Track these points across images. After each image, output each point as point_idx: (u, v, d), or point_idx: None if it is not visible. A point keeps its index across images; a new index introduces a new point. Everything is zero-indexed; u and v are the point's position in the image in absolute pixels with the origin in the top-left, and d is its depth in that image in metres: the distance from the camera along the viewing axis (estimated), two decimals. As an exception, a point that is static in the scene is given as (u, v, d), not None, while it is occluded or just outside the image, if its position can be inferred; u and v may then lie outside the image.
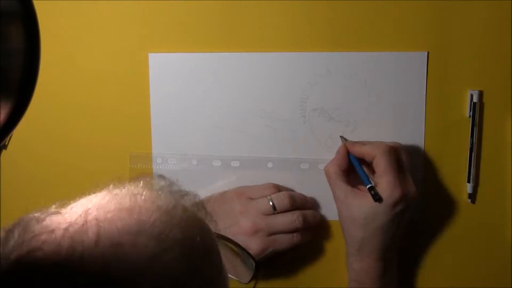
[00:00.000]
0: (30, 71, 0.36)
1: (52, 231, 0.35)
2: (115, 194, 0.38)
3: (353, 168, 0.62)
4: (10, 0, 0.34)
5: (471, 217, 0.67)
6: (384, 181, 0.58)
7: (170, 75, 0.64)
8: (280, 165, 0.65)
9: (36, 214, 0.38)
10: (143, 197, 0.38)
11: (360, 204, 0.59)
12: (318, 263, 0.67)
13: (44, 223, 0.37)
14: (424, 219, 0.66)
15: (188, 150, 0.65)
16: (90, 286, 0.32)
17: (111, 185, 0.40)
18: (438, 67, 0.64)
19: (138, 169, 0.65)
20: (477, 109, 0.64)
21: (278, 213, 0.62)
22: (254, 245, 0.60)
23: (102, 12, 0.63)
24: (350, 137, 0.64)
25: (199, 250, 0.37)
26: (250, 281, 0.47)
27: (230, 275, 0.45)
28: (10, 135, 0.36)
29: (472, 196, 0.66)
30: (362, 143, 0.62)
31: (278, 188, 0.64)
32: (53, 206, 0.39)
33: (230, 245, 0.46)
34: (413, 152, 0.64)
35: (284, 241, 0.61)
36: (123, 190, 0.39)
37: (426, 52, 0.63)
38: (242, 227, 0.60)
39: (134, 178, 0.42)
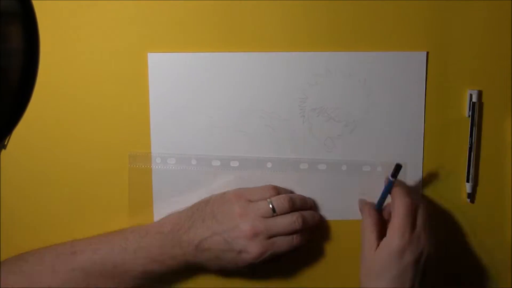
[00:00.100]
0: (30, 71, 0.36)
1: None
2: None
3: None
4: (10, 0, 0.35)
5: (470, 216, 0.67)
6: (395, 225, 0.58)
7: (169, 75, 0.64)
8: (279, 165, 0.65)
9: None
10: None
11: (373, 254, 0.59)
12: (318, 263, 0.67)
13: None
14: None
15: (187, 149, 0.65)
16: None
17: None
18: (437, 67, 0.64)
19: (138, 169, 0.65)
20: (476, 109, 0.64)
21: (277, 215, 0.62)
22: (253, 249, 0.60)
23: (101, 12, 0.63)
24: (350, 137, 0.64)
25: None
26: None
27: None
28: (10, 135, 0.36)
29: (471, 196, 0.66)
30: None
31: (278, 190, 0.64)
32: None
33: None
34: (412, 152, 0.64)
35: (283, 243, 0.61)
36: None
37: (426, 52, 0.63)
38: (241, 231, 0.60)
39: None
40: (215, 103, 0.64)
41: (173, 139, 0.65)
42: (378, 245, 0.59)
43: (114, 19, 0.63)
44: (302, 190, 0.66)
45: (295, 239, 0.62)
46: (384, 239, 0.59)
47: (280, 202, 0.62)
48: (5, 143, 0.39)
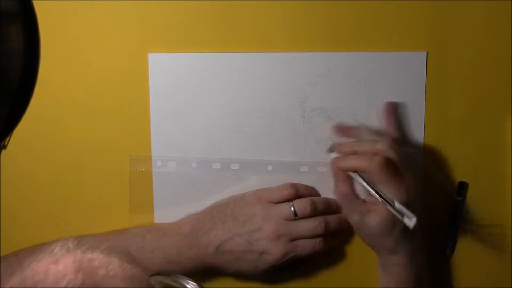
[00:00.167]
0: (30, 71, 0.36)
1: None
2: None
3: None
4: (10, 0, 0.35)
5: (470, 216, 0.67)
6: (389, 190, 0.57)
7: (169, 75, 0.64)
8: (280, 168, 0.65)
9: None
10: None
11: (376, 219, 0.58)
12: (318, 263, 0.67)
13: None
14: (423, 218, 0.66)
15: (187, 150, 0.65)
16: None
17: None
18: (437, 67, 0.64)
19: (138, 172, 0.65)
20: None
21: (299, 218, 0.62)
22: (276, 250, 0.60)
23: (102, 12, 0.63)
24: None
25: None
26: None
27: None
28: (10, 135, 0.36)
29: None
30: (346, 159, 0.60)
31: (296, 187, 0.64)
32: None
33: None
34: (413, 152, 0.64)
35: (306, 246, 0.61)
36: None
37: (426, 52, 0.63)
38: (264, 232, 0.60)
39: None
40: (215, 103, 0.64)
41: (174, 139, 0.65)
42: (368, 212, 0.58)
43: (115, 19, 0.63)
44: (302, 190, 0.65)
45: (318, 244, 0.62)
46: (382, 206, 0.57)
47: (302, 205, 0.62)
48: (6, 143, 0.39)
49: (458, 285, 0.67)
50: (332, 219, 0.63)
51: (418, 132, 0.65)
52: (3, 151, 0.41)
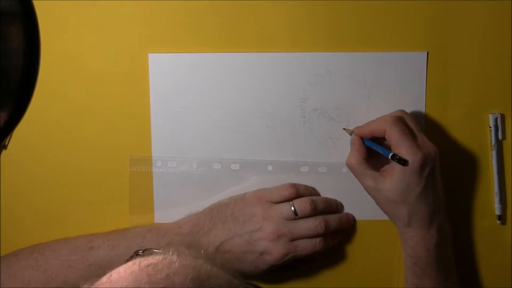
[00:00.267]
0: (30, 71, 0.36)
1: None
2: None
3: (370, 155, 0.61)
4: (10, 0, 0.34)
5: (468, 215, 0.67)
6: (403, 148, 0.58)
7: (170, 75, 0.64)
8: (280, 168, 0.65)
9: None
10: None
11: (391, 183, 0.58)
12: (318, 263, 0.67)
13: None
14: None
15: (188, 150, 0.65)
16: None
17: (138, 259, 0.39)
18: (438, 67, 0.64)
19: (138, 172, 0.65)
20: (477, 109, 0.64)
21: (300, 218, 0.62)
22: (276, 250, 0.60)
23: (102, 12, 0.63)
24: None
25: None
26: None
27: None
28: (10, 135, 0.36)
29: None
30: (368, 124, 0.62)
31: (296, 188, 0.64)
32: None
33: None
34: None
35: (307, 246, 0.61)
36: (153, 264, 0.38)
37: (426, 52, 0.63)
38: (265, 232, 0.60)
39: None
40: (216, 103, 0.64)
41: (174, 139, 0.65)
42: (382, 177, 0.59)
43: (115, 19, 0.63)
44: (302, 191, 0.65)
45: (318, 243, 0.62)
46: (397, 166, 0.58)
47: (302, 205, 0.62)
48: (6, 143, 0.39)
49: (458, 285, 0.67)
50: (332, 218, 0.63)
51: (418, 132, 0.64)
52: (3, 151, 0.41)
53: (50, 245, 0.62)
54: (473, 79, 0.64)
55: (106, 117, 0.65)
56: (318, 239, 0.62)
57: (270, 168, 0.65)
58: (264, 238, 0.60)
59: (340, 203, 0.66)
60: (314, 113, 0.64)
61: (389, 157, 0.59)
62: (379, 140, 0.61)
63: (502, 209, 0.65)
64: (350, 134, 0.63)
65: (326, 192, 0.65)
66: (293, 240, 0.61)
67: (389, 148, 0.60)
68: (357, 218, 0.66)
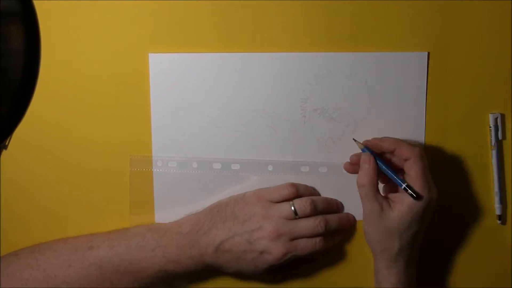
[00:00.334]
0: (30, 71, 0.36)
1: None
2: None
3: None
4: (10, 0, 0.35)
5: (470, 216, 0.67)
6: (421, 184, 0.58)
7: (170, 75, 0.64)
8: (280, 168, 0.65)
9: None
10: None
11: (399, 213, 0.59)
12: (318, 264, 0.67)
13: None
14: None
15: (188, 150, 0.65)
16: None
17: None
18: (438, 67, 0.64)
19: (139, 172, 0.65)
20: (477, 109, 0.64)
21: (300, 218, 0.62)
22: (276, 249, 0.60)
23: (102, 12, 0.63)
24: (350, 137, 0.64)
25: None
26: None
27: None
28: (11, 135, 0.36)
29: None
30: (383, 140, 0.61)
31: (296, 187, 0.64)
32: None
33: None
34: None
35: (307, 246, 0.61)
36: None
37: (427, 52, 0.63)
38: (265, 231, 0.60)
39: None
40: (216, 103, 0.64)
41: (174, 139, 0.65)
42: (389, 205, 0.59)
43: (115, 19, 0.63)
44: (303, 190, 0.65)
45: (318, 243, 0.62)
46: (407, 199, 0.58)
47: (302, 205, 0.62)
48: (6, 143, 0.39)
49: (458, 285, 0.67)
50: (332, 218, 0.63)
51: (418, 132, 0.65)
52: (3, 151, 0.41)
53: (50, 245, 0.62)
54: (473, 79, 0.64)
55: (106, 117, 0.65)
56: (318, 239, 0.62)
57: (270, 168, 0.65)
58: (264, 237, 0.60)
59: (340, 203, 0.66)
60: (314, 113, 0.64)
61: (402, 188, 0.58)
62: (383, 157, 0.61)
63: (502, 209, 0.65)
64: (362, 150, 0.62)
65: (326, 192, 0.65)
66: (293, 239, 0.61)
67: (396, 170, 0.60)
68: (357, 218, 0.66)
